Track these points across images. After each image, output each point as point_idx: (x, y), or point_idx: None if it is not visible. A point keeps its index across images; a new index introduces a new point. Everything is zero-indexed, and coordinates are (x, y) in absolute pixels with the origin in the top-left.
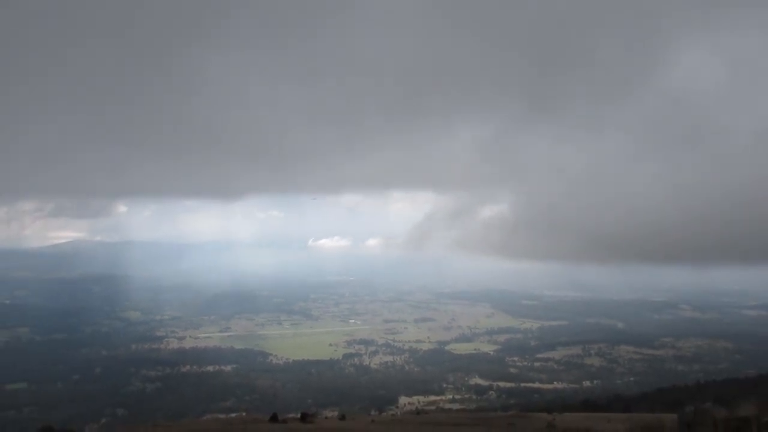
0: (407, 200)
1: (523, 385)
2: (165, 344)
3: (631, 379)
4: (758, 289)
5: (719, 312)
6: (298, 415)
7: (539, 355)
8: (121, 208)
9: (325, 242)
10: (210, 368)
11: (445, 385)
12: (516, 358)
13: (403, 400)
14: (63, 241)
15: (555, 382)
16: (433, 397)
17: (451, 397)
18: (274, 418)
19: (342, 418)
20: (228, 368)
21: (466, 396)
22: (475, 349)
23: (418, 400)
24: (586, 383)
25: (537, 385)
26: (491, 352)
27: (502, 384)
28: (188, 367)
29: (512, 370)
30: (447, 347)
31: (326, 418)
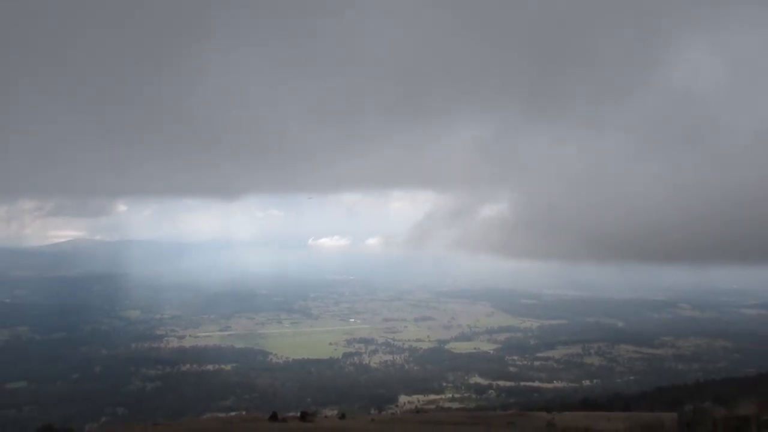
0: (407, 199)
1: (522, 384)
2: (165, 343)
3: (631, 378)
4: (757, 288)
5: (718, 311)
6: (298, 414)
7: (539, 354)
8: (121, 207)
9: (325, 241)
10: (210, 367)
11: (444, 384)
12: (516, 357)
13: (402, 398)
14: (63, 240)
15: (555, 381)
16: (432, 396)
17: (450, 396)
18: (273, 417)
19: (342, 416)
20: (228, 367)
21: (466, 395)
22: (474, 348)
23: (417, 399)
24: (586, 382)
25: (537, 384)
26: (491, 351)
27: (501, 383)
28: (188, 365)
29: (512, 369)
30: (447, 346)
31: (326, 417)
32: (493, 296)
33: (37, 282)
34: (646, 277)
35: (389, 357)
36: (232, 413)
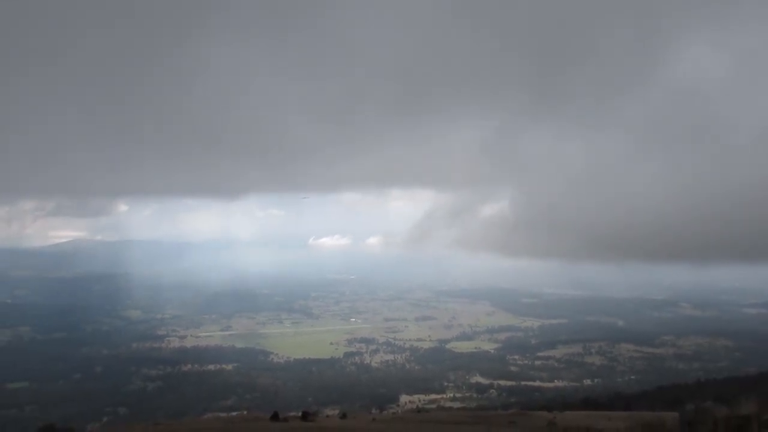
0: (407, 198)
1: (523, 383)
2: (166, 343)
3: (632, 377)
4: (759, 287)
5: (719, 310)
6: (299, 414)
7: (540, 354)
8: (122, 207)
9: (326, 241)
10: (211, 367)
11: (445, 384)
12: (516, 357)
13: (404, 398)
14: (63, 240)
15: (556, 381)
16: (433, 396)
17: (451, 395)
18: (275, 417)
19: (343, 416)
20: (229, 367)
21: (467, 394)
22: (475, 348)
23: (419, 399)
24: (587, 381)
25: (538, 383)
26: (492, 351)
27: (502, 382)
28: (189, 365)
29: (513, 368)
30: (447, 345)
31: (327, 416)
32: (493, 295)
33: (38, 282)
34: (647, 276)
35: (390, 356)
36: (234, 413)
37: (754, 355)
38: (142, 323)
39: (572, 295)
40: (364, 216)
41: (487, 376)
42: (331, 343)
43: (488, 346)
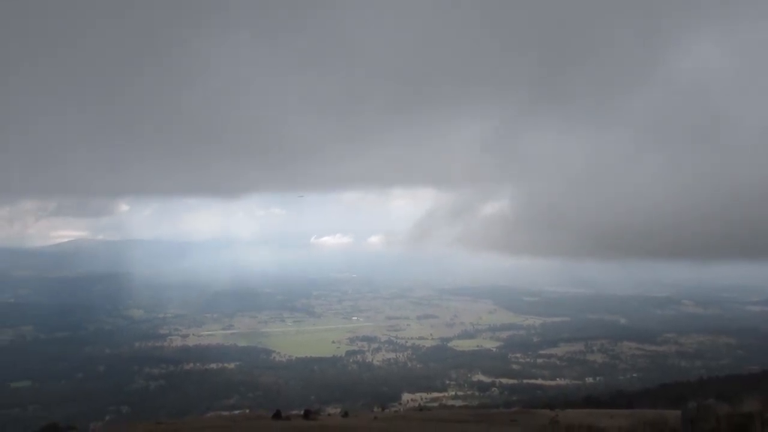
0: (408, 197)
1: (525, 381)
2: (168, 342)
3: (634, 375)
4: (761, 285)
5: (722, 308)
6: (302, 412)
7: (542, 352)
8: (123, 206)
9: (327, 239)
10: (213, 366)
11: (447, 382)
12: (518, 355)
13: (406, 396)
14: (65, 240)
15: (558, 379)
16: (435, 394)
17: (453, 393)
18: (277, 415)
19: (345, 414)
20: (231, 365)
21: (469, 393)
22: (477, 346)
23: (421, 397)
24: (589, 379)
25: (540, 381)
26: (494, 349)
27: (504, 380)
28: (191, 364)
29: (515, 366)
30: (449, 344)
31: (329, 414)
32: (495, 294)
33: (40, 282)
34: (649, 274)
35: (392, 355)
36: (236, 411)
37: (757, 352)
38: (144, 322)
39: (574, 293)
40: (366, 215)
41: (489, 375)
42: (333, 342)
43: (490, 344)
